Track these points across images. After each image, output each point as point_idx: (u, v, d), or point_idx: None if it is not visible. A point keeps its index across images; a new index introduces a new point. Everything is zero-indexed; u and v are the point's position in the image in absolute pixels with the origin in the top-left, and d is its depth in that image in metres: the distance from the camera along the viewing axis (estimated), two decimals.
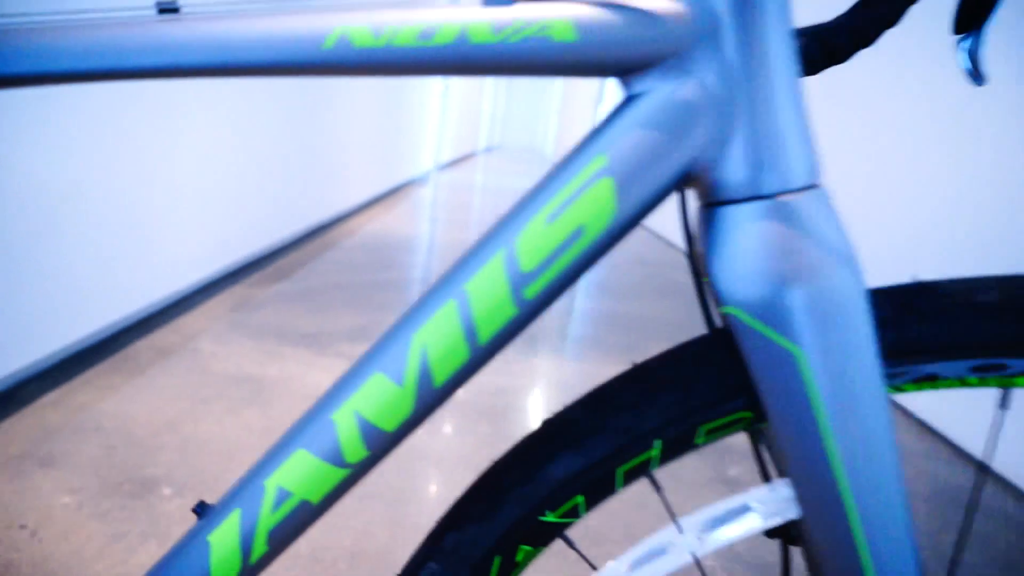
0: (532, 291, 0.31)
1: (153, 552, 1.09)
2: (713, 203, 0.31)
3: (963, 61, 0.39)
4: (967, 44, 0.40)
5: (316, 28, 0.30)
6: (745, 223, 0.30)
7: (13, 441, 1.38)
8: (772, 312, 0.29)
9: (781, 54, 0.29)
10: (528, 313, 0.32)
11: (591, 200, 0.30)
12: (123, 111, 1.84)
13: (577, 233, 0.31)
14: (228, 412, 1.59)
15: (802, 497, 0.33)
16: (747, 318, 0.30)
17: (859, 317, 0.29)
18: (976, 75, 0.40)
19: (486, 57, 0.30)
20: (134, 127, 1.90)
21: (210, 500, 1.22)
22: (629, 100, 0.31)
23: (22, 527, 1.11)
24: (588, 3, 0.30)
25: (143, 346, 1.90)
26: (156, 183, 2.07)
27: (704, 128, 0.30)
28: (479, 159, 14.14)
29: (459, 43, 0.29)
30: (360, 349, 2.05)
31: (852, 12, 0.40)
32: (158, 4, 0.32)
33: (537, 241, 0.31)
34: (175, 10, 0.32)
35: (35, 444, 1.36)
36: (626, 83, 0.31)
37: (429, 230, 4.48)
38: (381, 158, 5.47)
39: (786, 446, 0.32)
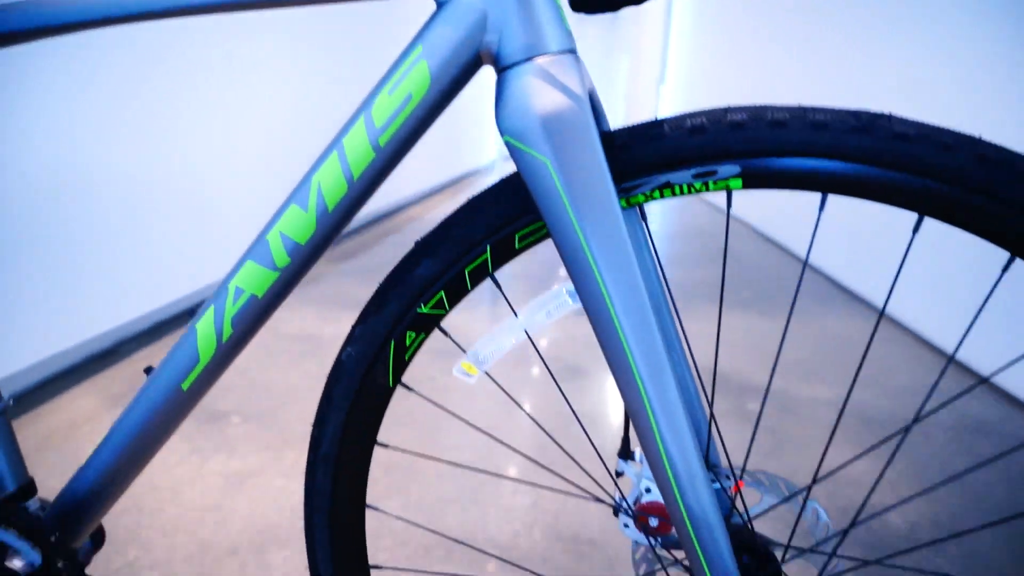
0: (383, 140, 0.46)
1: (222, 461, 1.31)
2: (499, 70, 0.44)
3: None
4: None
5: None
6: (516, 79, 0.43)
7: (115, 382, 1.65)
8: (528, 134, 0.42)
9: None
10: (384, 158, 0.46)
11: (414, 77, 0.45)
12: (190, 95, 2.09)
13: (407, 99, 0.45)
14: (290, 363, 1.81)
15: (577, 289, 0.45)
16: (515, 142, 0.43)
17: (589, 140, 0.42)
18: None
19: None
20: (200, 114, 2.16)
21: (271, 433, 1.44)
22: (438, 6, 0.45)
23: None
24: None
25: None
26: (222, 169, 2.33)
27: (484, 21, 0.43)
28: None
29: None
30: None
31: None
32: None
33: (384, 105, 0.45)
34: None
35: (131, 387, 1.63)
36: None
37: None
38: (446, 146, 5.67)
39: (558, 246, 0.44)
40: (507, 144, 0.44)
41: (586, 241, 0.43)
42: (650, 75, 9.79)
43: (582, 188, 0.43)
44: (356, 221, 3.65)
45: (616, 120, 17.60)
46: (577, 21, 21.43)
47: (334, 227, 0.49)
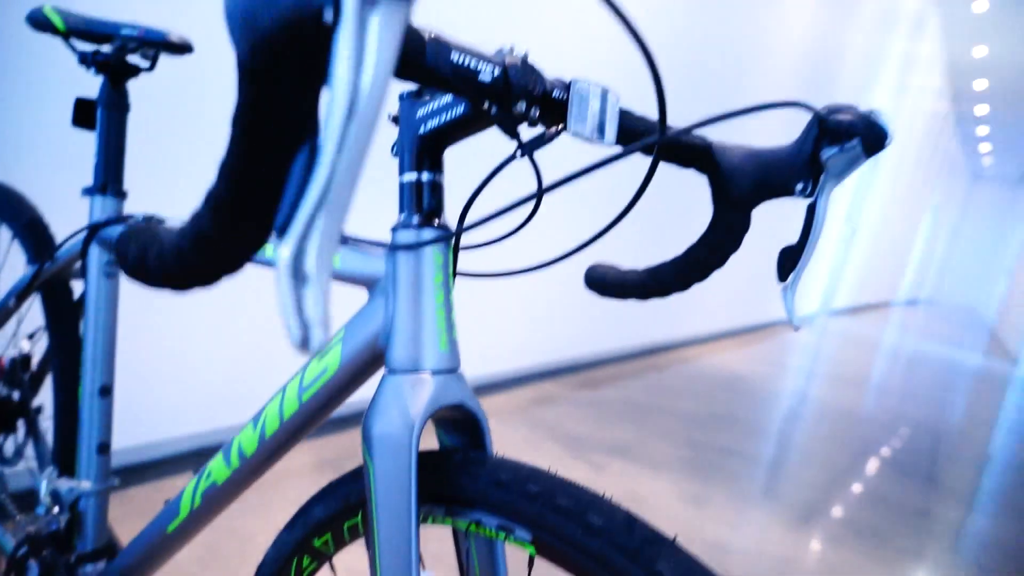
0: (306, 396, 0.53)
1: None
2: (387, 371, 0.48)
3: (785, 303, 0.50)
4: (786, 291, 0.50)
5: None
6: (384, 384, 0.47)
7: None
8: (366, 437, 0.46)
9: (432, 292, 0.47)
10: (304, 413, 0.53)
11: (333, 354, 0.51)
12: None
13: (324, 371, 0.51)
14: None
15: None
16: (362, 439, 0.46)
17: (405, 462, 0.44)
18: (790, 317, 0.50)
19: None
20: None
21: None
22: (369, 297, 0.51)
23: None
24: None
25: None
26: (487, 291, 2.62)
27: (388, 326, 0.48)
28: (893, 312, 12.55)
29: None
30: (614, 463, 2.20)
31: (687, 254, 0.54)
32: None
33: (313, 368, 0.52)
34: None
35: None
36: (370, 291, 0.52)
37: (784, 381, 4.22)
38: (747, 287, 5.40)
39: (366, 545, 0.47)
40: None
41: (379, 549, 0.45)
42: None
43: (386, 499, 0.45)
44: (611, 349, 3.70)
45: (990, 307, 14.68)
46: (972, 179, 18.85)
47: (272, 450, 0.57)
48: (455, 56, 0.39)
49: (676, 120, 0.47)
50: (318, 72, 0.23)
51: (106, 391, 0.79)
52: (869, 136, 0.44)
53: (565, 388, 3.03)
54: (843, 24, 5.67)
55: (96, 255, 0.78)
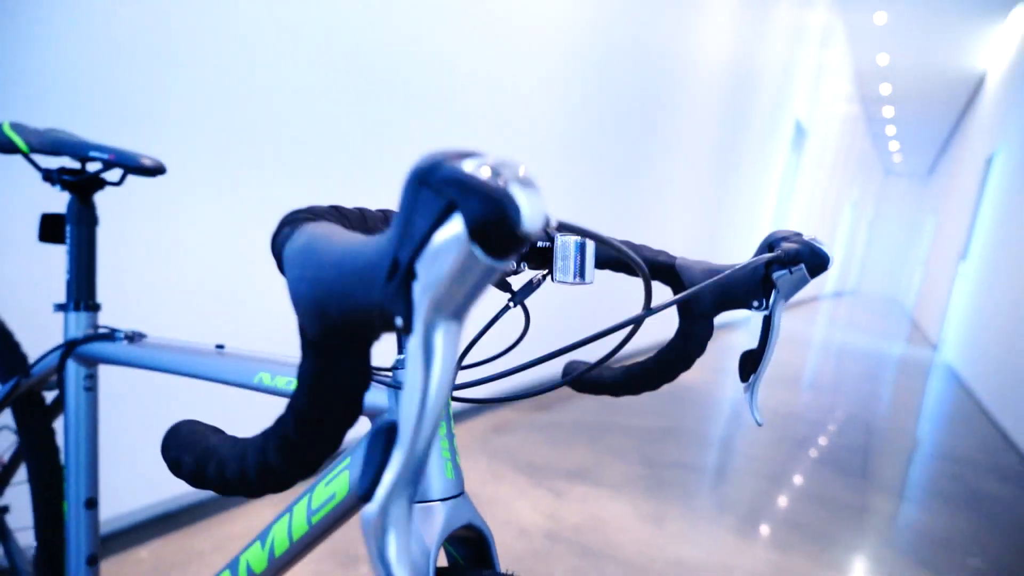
0: (315, 519, 0.56)
1: None
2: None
3: (748, 401, 0.56)
4: (749, 390, 0.56)
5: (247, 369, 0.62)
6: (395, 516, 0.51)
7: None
8: None
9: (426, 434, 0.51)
10: (312, 534, 0.57)
11: (340, 481, 0.55)
12: None
13: (332, 497, 0.55)
14: None
15: None
16: None
17: None
18: (753, 415, 0.56)
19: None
20: None
21: None
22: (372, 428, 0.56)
23: None
24: None
25: None
26: None
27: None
28: (823, 305, 13.15)
29: None
30: (574, 489, 2.27)
31: (656, 358, 0.60)
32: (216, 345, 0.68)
33: (320, 492, 0.56)
34: (222, 347, 0.68)
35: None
36: (372, 421, 0.56)
37: (727, 388, 4.35)
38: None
39: None
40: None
41: None
42: (954, 247, 8.67)
43: None
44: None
45: (908, 295, 15.66)
46: (884, 175, 20.02)
47: (280, 567, 0.60)
48: None
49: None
50: (370, 345, 0.28)
51: (92, 503, 0.80)
52: (812, 261, 0.52)
53: (521, 413, 3.09)
54: (760, 38, 5.97)
55: (74, 370, 0.79)
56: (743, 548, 2.00)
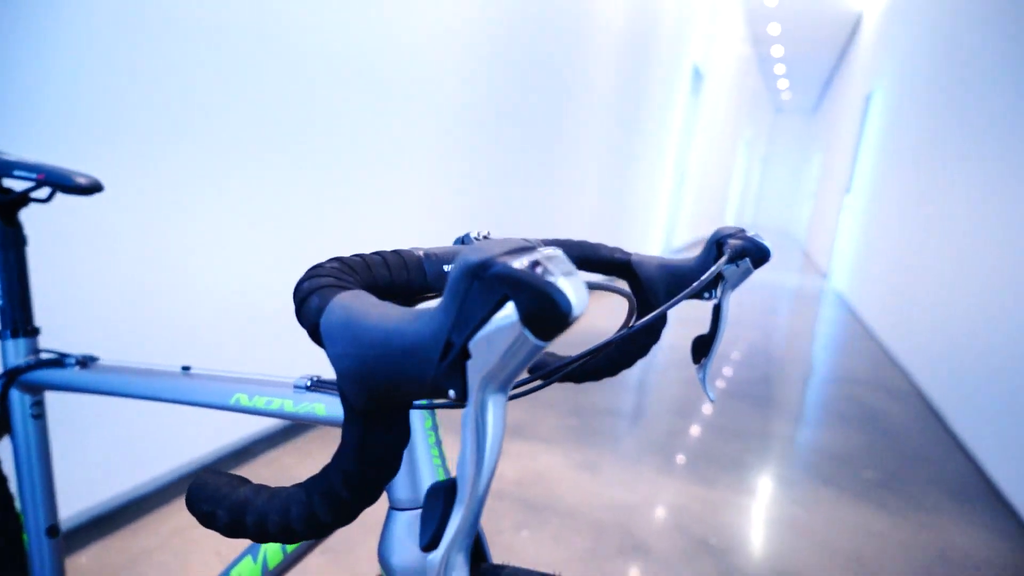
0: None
1: None
2: (389, 507, 0.56)
3: (701, 381, 0.61)
4: (701, 371, 0.62)
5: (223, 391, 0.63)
6: (393, 522, 0.54)
7: None
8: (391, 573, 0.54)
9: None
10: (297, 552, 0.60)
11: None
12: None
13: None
14: None
15: None
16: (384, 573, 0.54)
17: None
18: (706, 392, 0.61)
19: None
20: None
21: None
22: None
23: None
24: None
25: None
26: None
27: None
28: None
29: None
30: (512, 446, 2.36)
31: (616, 348, 0.64)
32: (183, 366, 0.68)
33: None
34: (188, 368, 0.67)
35: None
36: None
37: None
38: (596, 235, 5.76)
39: None
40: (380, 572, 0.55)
41: None
42: (840, 180, 9.28)
43: None
44: None
45: (800, 227, 16.70)
46: (775, 113, 20.98)
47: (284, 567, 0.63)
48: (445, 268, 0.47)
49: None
50: (410, 407, 0.31)
51: (53, 531, 0.78)
52: (756, 255, 0.58)
53: None
54: None
55: (18, 399, 0.76)
56: (671, 486, 2.17)
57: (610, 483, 2.15)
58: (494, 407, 0.29)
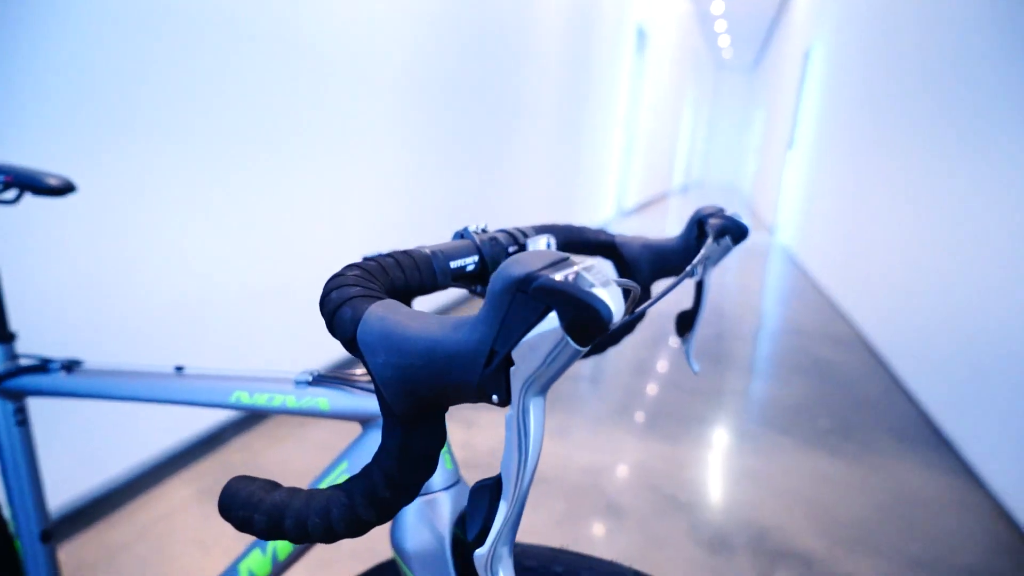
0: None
1: None
2: None
3: (685, 352, 0.65)
4: (685, 344, 0.65)
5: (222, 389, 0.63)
6: (414, 509, 0.56)
7: (208, 474, 1.92)
8: (403, 555, 0.56)
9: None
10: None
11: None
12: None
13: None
14: None
15: None
16: (397, 556, 0.56)
17: (444, 571, 0.55)
18: (690, 365, 0.64)
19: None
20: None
21: None
22: (363, 430, 0.59)
23: None
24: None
25: None
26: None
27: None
28: (672, 201, 14.03)
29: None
30: (481, 416, 2.40)
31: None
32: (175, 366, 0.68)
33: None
34: (181, 368, 0.67)
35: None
36: (364, 425, 0.60)
37: None
38: (551, 205, 5.80)
39: None
40: (394, 556, 0.57)
41: None
42: (782, 136, 9.49)
43: None
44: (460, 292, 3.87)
45: (746, 183, 17.05)
46: (717, 70, 21.20)
47: (282, 568, 0.64)
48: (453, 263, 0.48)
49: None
50: (446, 409, 0.33)
51: (47, 536, 0.78)
52: (736, 233, 0.61)
53: None
54: None
55: (0, 407, 0.74)
56: (638, 446, 2.25)
57: (581, 447, 2.21)
58: (535, 410, 0.31)
